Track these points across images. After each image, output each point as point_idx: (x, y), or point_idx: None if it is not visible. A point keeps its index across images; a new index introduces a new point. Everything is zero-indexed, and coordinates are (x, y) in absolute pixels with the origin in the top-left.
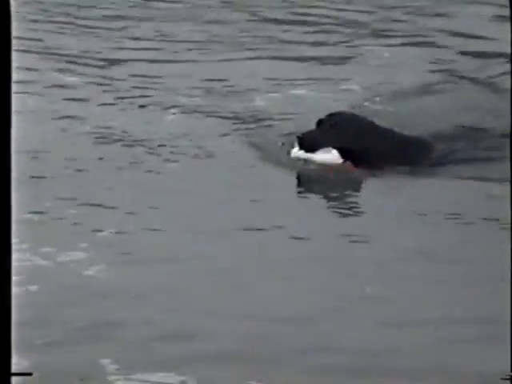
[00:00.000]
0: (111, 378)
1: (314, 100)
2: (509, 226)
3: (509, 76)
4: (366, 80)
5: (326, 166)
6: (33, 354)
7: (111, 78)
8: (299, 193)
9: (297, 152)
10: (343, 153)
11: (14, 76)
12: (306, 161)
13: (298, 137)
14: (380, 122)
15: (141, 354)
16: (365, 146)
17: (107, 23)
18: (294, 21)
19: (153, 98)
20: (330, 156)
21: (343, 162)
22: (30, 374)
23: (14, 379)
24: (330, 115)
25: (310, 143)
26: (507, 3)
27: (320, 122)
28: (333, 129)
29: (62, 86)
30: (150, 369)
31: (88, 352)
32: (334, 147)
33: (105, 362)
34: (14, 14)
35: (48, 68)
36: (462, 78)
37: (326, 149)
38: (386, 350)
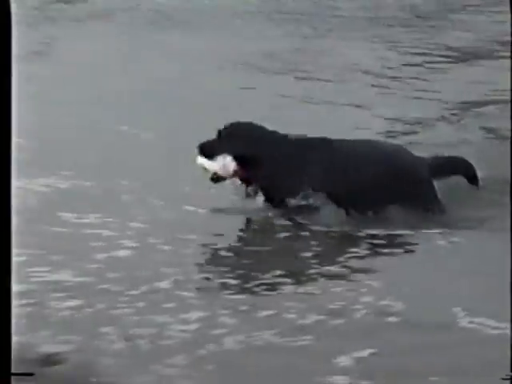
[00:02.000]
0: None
1: None
2: None
3: None
4: None
5: (222, 172)
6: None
7: None
8: None
9: (199, 160)
10: (238, 159)
11: None
12: (205, 169)
13: (199, 145)
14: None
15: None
16: (260, 152)
17: None
18: None
19: None
20: (224, 162)
21: (235, 169)
22: (30, 374)
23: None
24: (229, 125)
25: (208, 150)
26: None
27: (219, 132)
28: (229, 137)
29: None
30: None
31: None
32: (229, 154)
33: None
34: None
35: None
36: None
37: (222, 155)
38: None
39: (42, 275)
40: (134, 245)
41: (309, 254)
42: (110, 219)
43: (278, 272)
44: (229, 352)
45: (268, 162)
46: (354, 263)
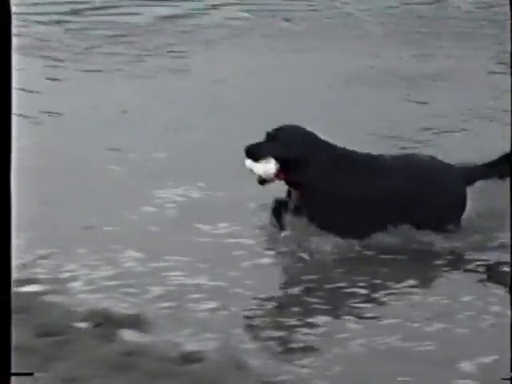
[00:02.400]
0: None
1: None
2: None
3: None
4: None
5: (264, 175)
6: None
7: None
8: None
9: (246, 162)
10: (281, 162)
11: None
12: (251, 171)
13: (244, 148)
14: None
15: None
16: (301, 156)
17: None
18: None
19: None
20: (267, 165)
21: (277, 172)
22: (30, 374)
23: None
24: (277, 128)
25: (253, 153)
26: None
27: (268, 135)
28: (273, 140)
29: None
30: None
31: None
32: (271, 156)
33: None
34: None
35: None
36: None
37: (266, 158)
38: None
39: (180, 279)
40: (271, 252)
41: (440, 262)
42: (239, 227)
43: (409, 281)
44: (354, 355)
45: (309, 166)
46: (484, 272)
